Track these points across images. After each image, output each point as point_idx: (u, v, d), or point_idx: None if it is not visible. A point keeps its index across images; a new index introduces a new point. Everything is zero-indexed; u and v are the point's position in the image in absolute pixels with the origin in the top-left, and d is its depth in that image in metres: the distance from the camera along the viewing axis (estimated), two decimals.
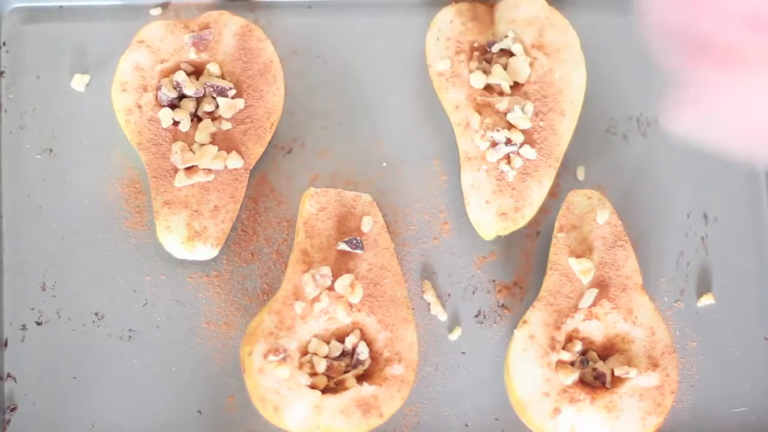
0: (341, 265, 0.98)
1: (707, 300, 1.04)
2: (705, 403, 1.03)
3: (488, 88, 1.04)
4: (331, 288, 0.96)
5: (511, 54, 1.05)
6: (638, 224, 1.05)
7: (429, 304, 1.03)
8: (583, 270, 0.99)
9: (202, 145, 1.00)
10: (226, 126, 1.01)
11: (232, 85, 1.02)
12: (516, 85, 1.04)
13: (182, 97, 1.02)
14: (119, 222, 1.03)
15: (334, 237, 0.99)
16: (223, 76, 1.03)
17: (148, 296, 1.02)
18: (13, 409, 1.00)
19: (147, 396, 1.00)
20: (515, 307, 1.03)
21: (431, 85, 1.05)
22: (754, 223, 1.07)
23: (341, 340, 0.97)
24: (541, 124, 1.02)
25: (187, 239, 0.99)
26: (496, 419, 1.01)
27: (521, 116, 1.01)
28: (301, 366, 0.95)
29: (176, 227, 0.99)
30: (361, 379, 0.96)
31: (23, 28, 1.07)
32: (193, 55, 1.02)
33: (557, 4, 1.08)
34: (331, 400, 0.94)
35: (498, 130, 1.00)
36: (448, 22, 1.05)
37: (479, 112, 1.02)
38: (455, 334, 1.03)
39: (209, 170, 1.00)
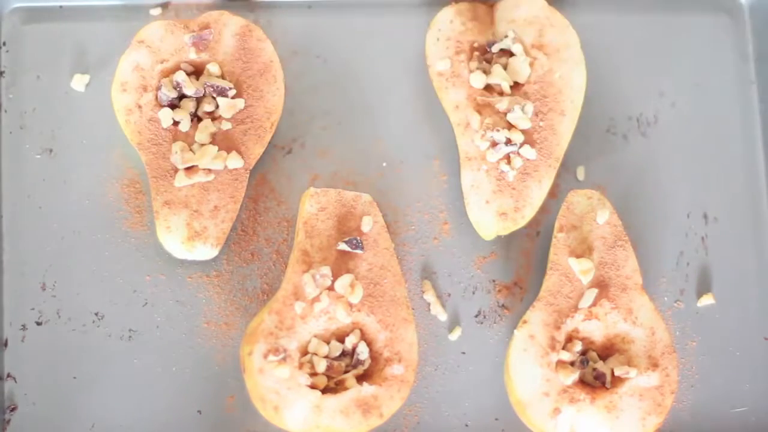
0: (341, 265, 0.98)
1: (707, 300, 1.04)
2: (705, 403, 1.03)
3: (488, 88, 1.04)
4: (331, 288, 0.96)
5: (511, 54, 1.05)
6: (638, 224, 1.05)
7: (429, 304, 1.03)
8: (583, 270, 0.98)
9: (202, 145, 1.00)
10: (226, 126, 1.01)
11: (232, 85, 1.01)
12: (516, 85, 1.04)
13: (182, 97, 1.02)
14: (119, 222, 1.03)
15: (334, 237, 0.99)
16: (223, 76, 1.03)
17: (148, 296, 1.02)
18: (13, 409, 1.00)
19: (147, 396, 1.00)
20: (515, 307, 1.03)
21: (431, 85, 1.05)
22: (754, 223, 1.07)
23: (341, 340, 0.97)
24: (541, 124, 1.02)
25: (187, 239, 0.99)
26: (496, 419, 1.01)
27: (521, 116, 1.01)
28: (301, 366, 0.95)
29: (176, 227, 0.99)
30: (361, 379, 0.96)
31: (23, 28, 1.07)
32: (193, 55, 1.02)
33: (557, 4, 1.08)
34: (331, 400, 0.94)
35: (498, 130, 1.00)
36: (448, 22, 1.05)
37: (479, 112, 1.02)
38: (455, 334, 1.03)
39: (209, 170, 0.99)
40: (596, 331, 0.99)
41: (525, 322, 0.98)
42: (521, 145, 1.01)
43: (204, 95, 1.02)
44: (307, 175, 1.05)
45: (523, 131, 1.02)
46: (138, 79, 1.01)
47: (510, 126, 1.02)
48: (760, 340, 1.04)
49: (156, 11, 1.08)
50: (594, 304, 0.98)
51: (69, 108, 1.05)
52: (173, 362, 1.01)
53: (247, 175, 1.01)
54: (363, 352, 0.96)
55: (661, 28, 1.10)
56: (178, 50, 1.02)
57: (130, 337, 1.01)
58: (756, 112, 1.09)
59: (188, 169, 1.00)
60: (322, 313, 0.96)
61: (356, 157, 1.06)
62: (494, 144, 1.01)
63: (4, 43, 1.07)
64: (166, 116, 1.00)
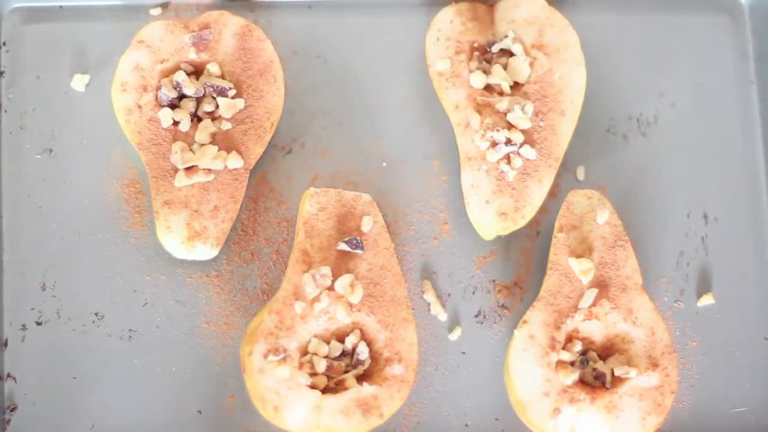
0: (341, 265, 0.98)
1: (707, 300, 1.04)
2: (705, 403, 1.03)
3: (488, 88, 1.04)
4: (331, 288, 0.96)
5: (511, 54, 1.05)
6: (638, 224, 1.05)
7: (429, 304, 1.03)
8: (583, 270, 0.98)
9: (202, 145, 1.00)
10: (226, 126, 1.01)
11: (232, 85, 1.01)
12: (516, 85, 1.04)
13: (182, 97, 1.02)
14: (119, 222, 1.03)
15: (334, 237, 0.99)
16: (223, 76, 1.03)
17: (148, 296, 1.02)
18: (13, 409, 1.00)
19: (147, 396, 1.00)
20: (515, 307, 1.03)
21: (431, 85, 1.05)
22: (754, 223, 1.07)
23: (341, 340, 0.97)
24: (541, 124, 1.02)
25: (187, 239, 0.99)
26: (496, 419, 1.01)
27: (521, 116, 1.01)
28: (301, 366, 0.95)
29: (176, 227, 0.99)
30: (361, 379, 0.96)
31: (23, 28, 1.07)
32: (193, 55, 1.02)
33: (557, 4, 1.08)
34: (331, 400, 0.94)
35: (498, 130, 1.00)
36: (448, 22, 1.05)
37: (479, 112, 1.02)
38: (455, 334, 1.03)
39: (209, 170, 0.99)
40: (596, 331, 0.99)
41: (525, 322, 0.98)
42: (521, 145, 1.01)
43: (204, 95, 1.02)
44: (307, 175, 1.05)
45: (523, 131, 1.02)
46: (138, 79, 1.01)
47: (510, 126, 1.01)
48: (760, 340, 1.04)
49: (156, 11, 1.08)
50: (594, 304, 0.98)
51: (69, 108, 1.05)
52: (173, 362, 1.01)
53: (247, 175, 1.01)
54: (363, 352, 0.96)
55: (661, 28, 1.10)
56: (178, 50, 1.02)
57: (130, 337, 1.01)
58: (756, 112, 1.09)
59: (188, 169, 1.00)
60: (322, 313, 0.96)
61: (356, 157, 1.06)
62: (494, 144, 1.01)
63: (4, 43, 1.07)
64: (166, 116, 1.00)
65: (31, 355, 1.01)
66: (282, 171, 1.05)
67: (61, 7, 1.08)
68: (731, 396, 1.03)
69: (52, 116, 1.05)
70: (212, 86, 1.01)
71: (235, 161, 1.00)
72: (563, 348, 0.98)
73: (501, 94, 1.04)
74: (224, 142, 1.01)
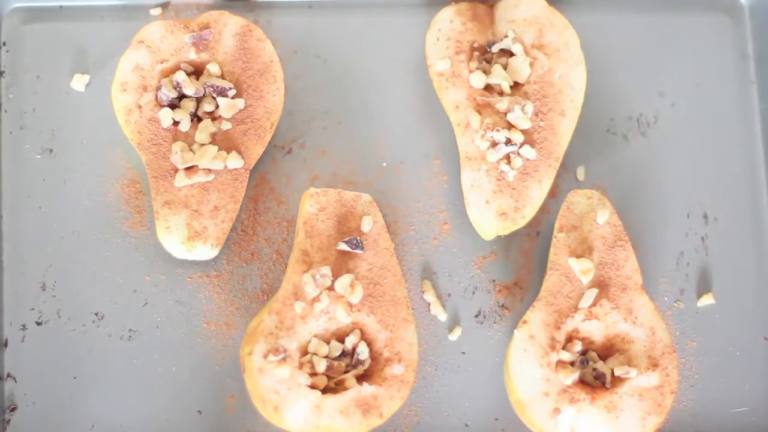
0: (341, 265, 0.98)
1: (707, 300, 1.04)
2: (705, 403, 1.03)
3: (488, 88, 1.04)
4: (331, 288, 0.96)
5: (511, 54, 1.05)
6: (638, 224, 1.05)
7: (429, 304, 1.03)
8: (583, 270, 0.98)
9: (202, 145, 1.00)
10: (226, 126, 1.01)
11: (232, 85, 1.01)
12: (516, 85, 1.04)
13: (182, 97, 1.02)
14: (119, 222, 1.03)
15: (334, 237, 0.99)
16: (223, 76, 1.03)
17: (148, 296, 1.02)
18: (13, 409, 1.00)
19: (147, 396, 1.00)
20: (515, 307, 1.03)
21: (431, 85, 1.05)
22: (754, 223, 1.07)
23: (341, 340, 0.97)
24: (541, 124, 1.02)
25: (187, 239, 0.99)
26: (496, 419, 1.01)
27: (521, 116, 1.01)
28: (301, 366, 0.95)
29: (176, 227, 0.99)
30: (361, 379, 0.96)
31: (23, 28, 1.07)
32: (193, 55, 1.02)
33: (557, 4, 1.08)
34: (331, 400, 0.94)
35: (498, 130, 1.00)
36: (448, 22, 1.05)
37: (479, 112, 1.02)
38: (455, 334, 1.03)
39: (209, 170, 0.99)
40: (596, 331, 0.99)
41: (525, 322, 0.98)
42: (521, 145, 1.01)
43: (204, 95, 1.02)
44: (307, 175, 1.05)
45: (523, 131, 1.02)
46: (138, 79, 1.01)
47: (510, 126, 1.02)
48: (760, 340, 1.04)
49: (156, 11, 1.08)
50: (594, 304, 0.98)
51: (69, 108, 1.05)
52: (173, 362, 1.01)
53: (247, 175, 1.01)
54: (363, 352, 0.96)
55: (661, 28, 1.10)
56: (178, 50, 1.02)
57: (130, 337, 1.01)
58: (756, 112, 1.09)
59: (188, 169, 1.00)
60: (322, 313, 0.96)
61: (356, 157, 1.06)
62: (494, 144, 1.01)
63: (4, 43, 1.07)
64: (166, 116, 1.00)
65: (31, 355, 1.01)
66: (282, 171, 1.05)
67: (61, 7, 1.08)
68: (731, 396, 1.03)
69: (52, 116, 1.05)
70: (212, 86, 1.01)
71: (235, 161, 1.00)
72: (563, 348, 0.98)
73: (501, 94, 1.04)
74: (224, 142, 1.01)
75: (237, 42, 1.03)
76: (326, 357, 0.96)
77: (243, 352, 0.95)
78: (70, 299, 1.02)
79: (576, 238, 1.00)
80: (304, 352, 0.96)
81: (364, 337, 0.97)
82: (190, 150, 1.00)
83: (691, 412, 1.02)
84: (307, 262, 0.97)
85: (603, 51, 1.09)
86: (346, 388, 0.95)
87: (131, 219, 1.03)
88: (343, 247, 0.98)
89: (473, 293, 1.04)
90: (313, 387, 0.94)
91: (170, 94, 1.01)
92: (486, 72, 1.04)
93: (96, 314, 1.01)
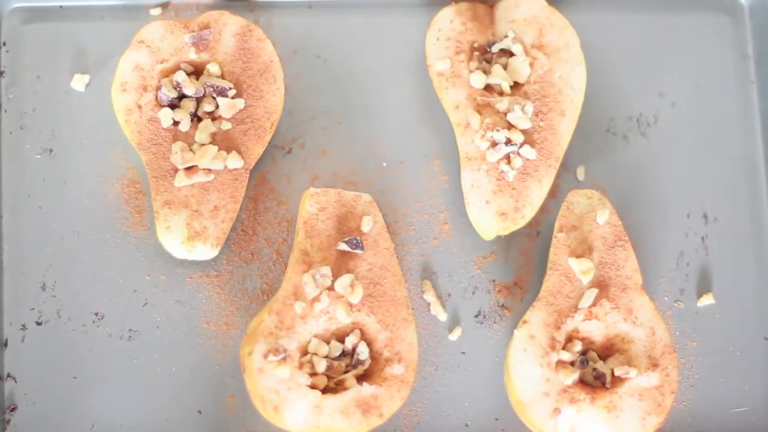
0: (341, 265, 0.98)
1: (707, 300, 1.04)
2: (705, 403, 1.03)
3: (488, 88, 1.04)
4: (331, 288, 0.96)
5: (511, 54, 1.05)
6: (638, 224, 1.05)
7: (429, 304, 1.03)
8: (583, 270, 0.98)
9: (202, 145, 1.00)
10: (226, 126, 1.01)
11: (232, 85, 1.01)
12: (516, 85, 1.04)
13: (182, 97, 1.02)
14: (119, 222, 1.03)
15: (334, 237, 0.99)
16: (223, 76, 1.03)
17: (148, 296, 1.02)
18: (13, 409, 1.00)
19: (147, 396, 1.00)
20: (515, 307, 1.03)
21: (431, 85, 1.05)
22: (754, 223, 1.07)
23: (341, 340, 0.97)
24: (541, 124, 1.02)
25: (187, 239, 0.99)
26: (496, 419, 1.01)
27: (521, 116, 1.01)
28: (301, 366, 0.95)
29: (176, 227, 0.99)
30: (361, 379, 0.96)
31: (23, 28, 1.07)
32: (193, 55, 1.02)
33: (557, 4, 1.08)
34: (331, 400, 0.94)
35: (498, 130, 1.00)
36: (448, 22, 1.05)
37: (479, 112, 1.02)
38: (455, 334, 1.03)
39: (209, 170, 1.00)
40: (596, 331, 0.99)
41: (525, 322, 0.98)
42: (521, 145, 1.01)
43: (204, 95, 1.02)
44: (307, 175, 1.05)
45: (523, 131, 1.02)
46: (138, 79, 1.01)
47: (510, 126, 1.02)
48: (760, 340, 1.04)
49: (156, 11, 1.08)
50: (594, 304, 0.98)
51: (69, 108, 1.05)
52: (173, 362, 1.01)
53: (247, 175, 1.01)
54: (363, 352, 0.96)
55: (661, 28, 1.10)
56: (178, 50, 1.02)
57: (130, 337, 1.01)
58: (756, 111, 1.09)
59: (188, 169, 1.00)
60: (322, 313, 0.96)
61: (356, 157, 1.06)
62: (494, 144, 1.01)
63: (4, 43, 1.07)
64: (166, 116, 1.00)
65: (31, 355, 1.01)
66: (282, 171, 1.05)
67: (61, 7, 1.08)
68: (731, 396, 1.03)
69: (52, 116, 1.05)
70: (212, 86, 1.01)
71: (235, 161, 1.00)
72: (563, 348, 0.98)
73: (501, 94, 1.04)
74: (224, 142, 1.01)
75: (237, 42, 1.03)
76: (326, 357, 0.96)
77: (243, 352, 0.95)
78: (70, 299, 1.01)
79: (576, 238, 1.00)
80: (304, 352, 0.96)
81: (364, 337, 0.97)
82: (190, 150, 1.00)
83: (691, 412, 1.03)
84: (307, 262, 0.97)
85: (603, 51, 1.09)
86: (346, 388, 0.95)
87: (131, 219, 1.03)
88: (343, 247, 0.98)
89: (473, 293, 1.04)
90: (313, 387, 0.94)
91: (170, 94, 1.01)
92: (486, 72, 1.04)
93: (96, 314, 1.01)
